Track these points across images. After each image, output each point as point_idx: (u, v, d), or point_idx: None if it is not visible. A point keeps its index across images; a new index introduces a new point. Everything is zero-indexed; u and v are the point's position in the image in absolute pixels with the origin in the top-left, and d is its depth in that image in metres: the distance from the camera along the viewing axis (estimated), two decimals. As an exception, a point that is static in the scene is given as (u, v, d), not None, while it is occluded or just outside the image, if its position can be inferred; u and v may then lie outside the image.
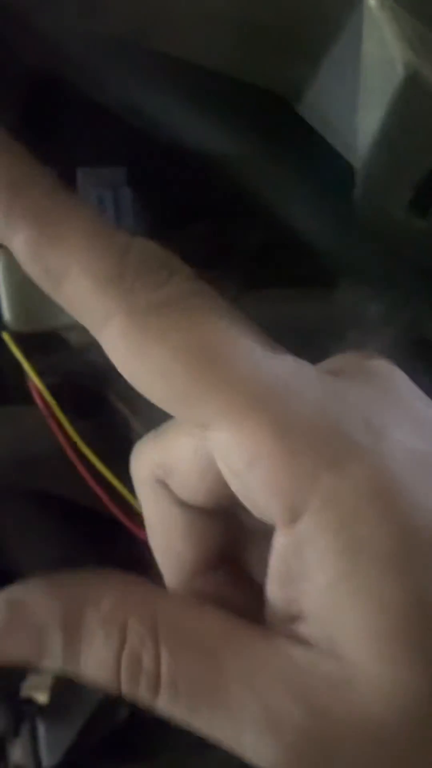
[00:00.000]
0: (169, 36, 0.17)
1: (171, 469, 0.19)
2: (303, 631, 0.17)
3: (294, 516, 0.16)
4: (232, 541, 0.21)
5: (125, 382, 0.32)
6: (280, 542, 0.16)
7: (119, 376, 0.35)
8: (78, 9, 0.17)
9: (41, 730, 0.41)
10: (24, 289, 0.29)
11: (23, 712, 0.41)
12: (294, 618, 0.17)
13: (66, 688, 0.42)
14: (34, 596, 0.18)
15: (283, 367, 0.16)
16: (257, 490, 0.16)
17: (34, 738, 0.41)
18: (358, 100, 0.23)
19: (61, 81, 0.28)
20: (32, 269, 0.17)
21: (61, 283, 0.17)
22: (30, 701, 0.42)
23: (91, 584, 0.18)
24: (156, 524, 0.20)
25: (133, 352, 0.16)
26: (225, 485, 0.17)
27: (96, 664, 0.17)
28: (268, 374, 0.16)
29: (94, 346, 0.33)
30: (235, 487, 0.17)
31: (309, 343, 0.39)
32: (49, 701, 0.43)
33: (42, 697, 0.43)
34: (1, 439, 0.30)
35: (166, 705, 0.17)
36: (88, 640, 0.17)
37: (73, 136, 0.30)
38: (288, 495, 0.15)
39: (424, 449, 0.16)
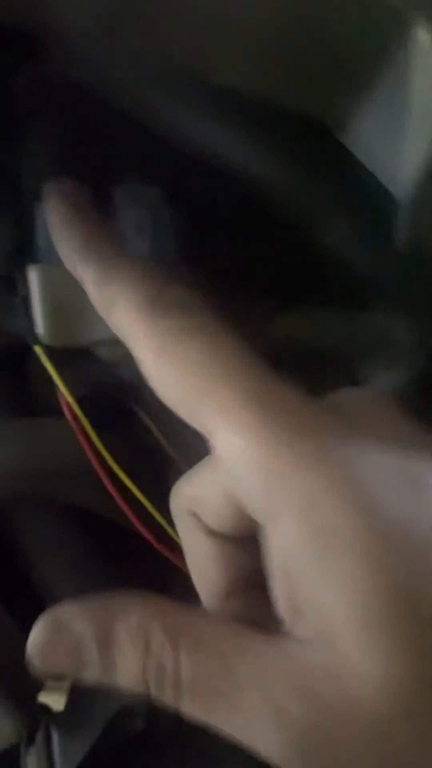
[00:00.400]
0: (219, 65, 0.18)
1: (201, 501, 0.22)
2: (302, 628, 0.18)
3: (276, 516, 0.18)
4: (258, 567, 0.21)
5: (151, 396, 0.33)
6: (271, 543, 0.18)
7: (146, 390, 0.35)
8: (135, 37, 0.17)
9: (56, 738, 0.41)
10: (58, 305, 0.30)
11: (38, 720, 0.42)
12: (295, 617, 0.18)
13: (82, 697, 0.42)
14: (71, 615, 0.21)
15: (276, 388, 0.19)
16: (246, 492, 0.19)
17: (48, 747, 0.41)
18: (405, 132, 0.23)
19: (102, 98, 0.29)
20: (94, 298, 0.23)
21: (112, 309, 0.22)
22: (45, 709, 0.43)
23: (119, 602, 0.21)
24: (191, 552, 0.23)
25: (157, 366, 0.21)
26: (245, 512, 0.19)
27: (127, 672, 0.20)
28: (262, 392, 0.19)
29: (123, 362, 0.33)
30: (236, 491, 0.19)
31: (336, 364, 0.39)
32: (65, 710, 0.43)
33: (57, 705, 0.43)
34: (28, 450, 0.30)
35: (188, 706, 0.19)
36: (119, 652, 0.20)
37: (112, 154, 0.31)
38: (271, 498, 0.18)
39: (395, 460, 0.18)
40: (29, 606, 0.43)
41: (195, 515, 0.23)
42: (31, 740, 0.43)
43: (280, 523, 0.18)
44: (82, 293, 0.31)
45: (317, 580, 0.17)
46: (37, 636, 0.22)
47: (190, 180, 0.30)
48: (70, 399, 0.29)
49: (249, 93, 0.19)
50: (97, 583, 0.36)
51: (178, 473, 0.34)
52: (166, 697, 0.20)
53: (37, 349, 0.30)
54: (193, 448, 0.36)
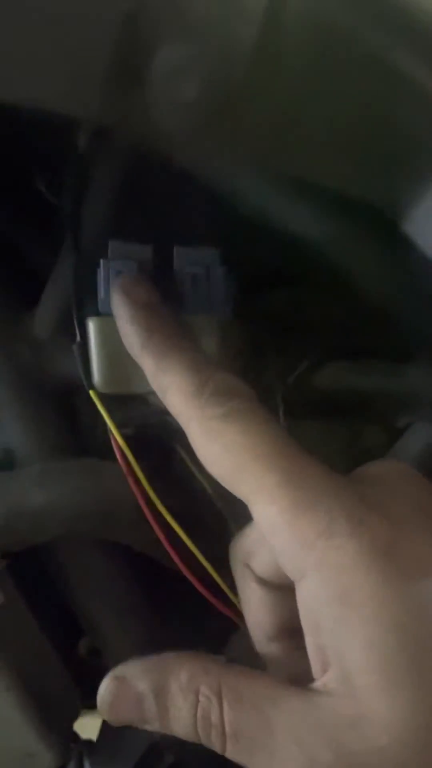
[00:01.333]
0: (291, 159, 0.19)
1: (251, 553, 0.27)
2: (329, 678, 0.21)
3: (304, 577, 0.21)
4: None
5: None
6: (300, 600, 0.21)
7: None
8: (221, 135, 0.19)
9: (88, 768, 0.42)
10: (114, 356, 0.31)
11: (71, 750, 0.42)
12: (323, 667, 0.21)
13: (115, 730, 0.42)
14: (133, 673, 0.25)
15: (305, 467, 0.22)
16: (279, 554, 0.22)
17: (80, 776, 0.42)
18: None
19: (164, 161, 0.30)
20: (151, 382, 0.26)
21: (165, 394, 0.26)
22: (78, 739, 0.43)
23: (173, 661, 0.24)
24: (245, 599, 0.27)
25: (204, 446, 0.24)
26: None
27: (181, 723, 0.23)
28: (293, 472, 0.22)
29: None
30: (274, 553, 0.23)
31: (380, 414, 0.40)
32: (98, 741, 0.44)
33: (91, 734, 0.44)
34: (84, 490, 0.31)
35: (232, 753, 0.22)
36: (172, 704, 0.23)
37: (173, 215, 0.32)
38: (299, 560, 0.21)
39: (415, 529, 0.21)
40: (70, 637, 0.45)
41: (249, 567, 0.26)
42: (63, 768, 0.44)
43: (307, 583, 0.21)
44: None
45: (341, 636, 0.20)
46: (105, 691, 0.25)
47: (246, 239, 0.32)
48: (122, 443, 0.30)
49: (317, 183, 0.21)
50: (140, 623, 0.37)
51: (222, 520, 0.35)
52: (213, 745, 0.23)
53: (92, 394, 0.31)
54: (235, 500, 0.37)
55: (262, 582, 0.26)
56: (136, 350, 0.27)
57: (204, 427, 0.23)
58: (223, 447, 0.23)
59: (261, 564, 0.26)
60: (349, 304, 0.36)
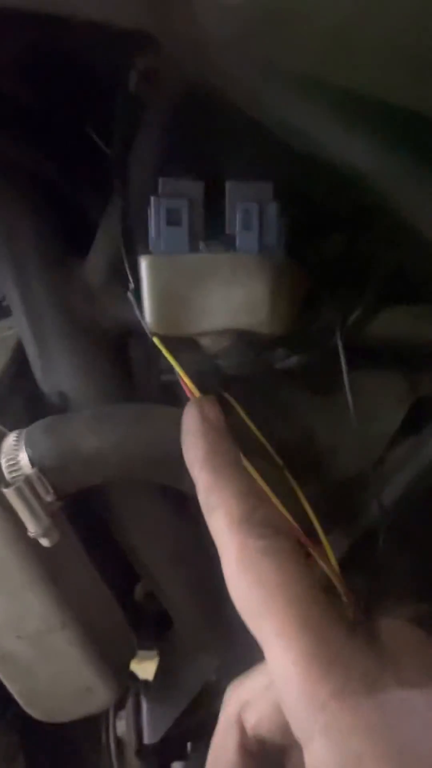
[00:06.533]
0: (348, 71, 0.18)
1: (248, 703, 0.26)
2: None
3: (312, 738, 0.20)
4: None
5: (245, 388, 0.34)
6: (307, 761, 0.21)
7: (240, 382, 0.36)
8: (269, 48, 0.18)
9: (145, 707, 0.43)
10: (167, 295, 0.31)
11: (128, 687, 0.44)
12: None
13: (170, 672, 0.44)
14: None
15: (327, 623, 0.22)
16: (287, 707, 0.21)
17: (137, 714, 0.44)
18: None
19: (217, 94, 0.29)
20: (201, 497, 0.27)
21: (212, 514, 0.26)
22: (135, 678, 0.45)
23: None
24: (219, 760, 0.26)
25: (236, 573, 0.24)
26: (284, 718, 0.22)
27: None
28: (314, 626, 0.22)
29: (223, 354, 0.34)
30: (281, 703, 0.22)
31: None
32: (154, 682, 0.45)
33: (147, 675, 0.45)
34: (136, 434, 0.31)
35: None
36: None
37: (225, 149, 0.31)
38: (309, 721, 0.20)
39: (425, 698, 0.21)
40: (125, 579, 0.46)
41: (239, 724, 0.26)
42: (119, 705, 0.45)
43: (315, 746, 0.20)
44: (189, 285, 0.32)
45: None
46: None
47: (300, 177, 0.30)
48: (190, 384, 0.30)
49: (368, 94, 0.19)
50: (192, 567, 0.38)
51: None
52: None
53: (156, 340, 0.31)
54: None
55: (245, 750, 0.25)
56: (196, 464, 0.27)
57: (242, 555, 0.24)
58: (255, 580, 0.23)
59: (256, 717, 0.25)
60: (407, 248, 0.35)
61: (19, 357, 0.39)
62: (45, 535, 0.31)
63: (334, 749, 0.20)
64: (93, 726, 0.58)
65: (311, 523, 0.33)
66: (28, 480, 0.30)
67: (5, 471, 0.31)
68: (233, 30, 0.17)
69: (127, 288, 0.33)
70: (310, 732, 0.20)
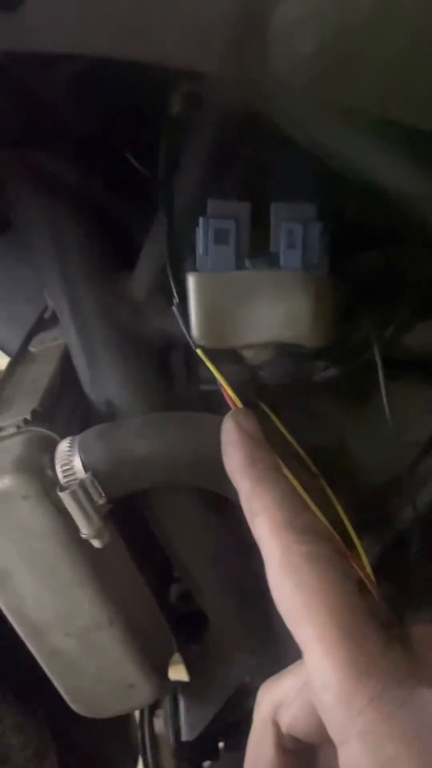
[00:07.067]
0: (404, 108, 0.20)
1: (284, 707, 0.26)
2: None
3: (348, 741, 0.21)
4: None
5: (281, 398, 0.35)
6: (341, 762, 0.22)
7: (278, 392, 0.37)
8: (332, 91, 0.19)
9: (182, 705, 0.45)
10: (212, 310, 0.33)
11: (167, 686, 0.45)
12: None
13: (206, 671, 0.45)
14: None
15: (367, 630, 0.23)
16: (324, 710, 0.22)
17: (175, 712, 0.45)
18: None
19: (263, 118, 0.31)
20: (243, 505, 0.28)
21: (254, 520, 0.27)
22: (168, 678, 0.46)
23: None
24: (257, 757, 0.27)
25: (279, 577, 0.25)
26: (318, 718, 0.23)
27: None
28: (354, 633, 0.23)
29: (266, 365, 0.36)
30: (317, 705, 0.23)
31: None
32: (191, 680, 0.46)
33: (183, 675, 0.47)
34: (183, 441, 0.33)
35: None
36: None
37: (269, 171, 0.33)
38: (346, 724, 0.21)
39: None
40: (161, 580, 0.47)
41: (275, 724, 0.26)
42: (156, 703, 0.47)
43: (350, 749, 0.21)
44: (233, 299, 0.34)
45: None
46: None
47: (340, 195, 0.32)
48: (233, 394, 0.31)
49: (419, 127, 0.21)
50: (231, 571, 0.39)
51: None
52: None
53: (200, 352, 0.33)
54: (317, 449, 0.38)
55: (282, 748, 0.26)
56: (236, 473, 0.29)
57: (285, 559, 0.25)
58: (297, 585, 0.24)
59: (290, 717, 0.26)
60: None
61: (65, 367, 0.41)
62: (96, 536, 0.33)
63: (370, 754, 0.21)
64: (122, 725, 0.59)
65: (346, 530, 0.34)
66: (82, 484, 0.32)
67: (60, 475, 0.33)
68: (305, 76, 0.19)
69: (171, 302, 0.35)
70: (347, 736, 0.21)
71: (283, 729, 0.26)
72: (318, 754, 0.27)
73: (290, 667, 0.27)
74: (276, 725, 0.26)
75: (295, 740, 0.26)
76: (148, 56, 0.19)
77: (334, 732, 0.22)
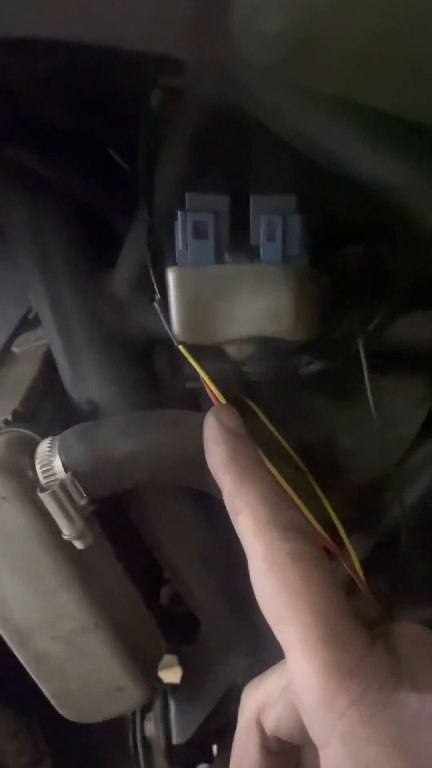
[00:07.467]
0: (374, 92, 0.19)
1: (265, 704, 0.26)
2: None
3: (328, 743, 0.21)
4: None
5: (267, 394, 0.34)
6: (322, 763, 0.21)
7: (263, 388, 0.36)
8: (301, 73, 0.19)
9: (173, 708, 0.44)
10: (193, 305, 0.32)
11: (157, 689, 0.44)
12: None
13: (197, 674, 0.44)
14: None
15: (348, 631, 0.22)
16: (305, 713, 0.22)
17: (165, 715, 0.44)
18: None
19: (240, 110, 0.31)
20: (227, 502, 0.27)
21: (237, 517, 0.26)
22: (162, 681, 0.46)
23: None
24: (241, 758, 0.27)
25: (262, 575, 0.24)
26: (302, 719, 0.23)
27: None
28: (336, 633, 0.22)
29: (249, 360, 0.35)
30: (298, 706, 0.23)
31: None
32: (181, 683, 0.46)
33: (174, 678, 0.46)
34: (166, 439, 0.33)
35: None
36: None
37: (249, 163, 0.33)
38: (326, 726, 0.21)
39: (430, 704, 0.21)
40: (151, 582, 0.47)
41: (259, 725, 0.26)
42: (148, 706, 0.46)
43: (331, 751, 0.21)
44: (213, 294, 0.33)
45: None
46: None
47: (322, 188, 0.32)
48: (216, 391, 0.31)
49: (394, 113, 0.21)
50: (220, 571, 0.39)
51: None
52: None
53: (182, 348, 0.32)
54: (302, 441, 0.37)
55: (266, 750, 0.26)
56: (218, 470, 0.28)
57: (269, 558, 0.24)
58: (281, 584, 0.24)
59: (274, 719, 0.25)
60: (427, 255, 0.36)
61: (48, 367, 0.40)
62: (79, 537, 0.32)
63: (350, 757, 0.21)
64: (118, 730, 0.59)
65: (334, 526, 0.33)
66: (62, 484, 0.32)
67: (40, 476, 0.32)
68: (270, 57, 0.18)
69: (153, 298, 0.34)
70: (328, 738, 0.21)
71: (267, 730, 0.26)
72: (303, 754, 0.27)
73: (274, 667, 0.26)
74: (260, 726, 0.26)
75: (280, 741, 0.26)
76: (105, 38, 0.19)
77: (315, 734, 0.22)
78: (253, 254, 0.32)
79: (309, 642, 0.22)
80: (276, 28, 0.17)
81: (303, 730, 0.24)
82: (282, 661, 0.25)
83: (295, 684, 0.22)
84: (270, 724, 0.25)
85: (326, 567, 0.24)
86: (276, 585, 0.24)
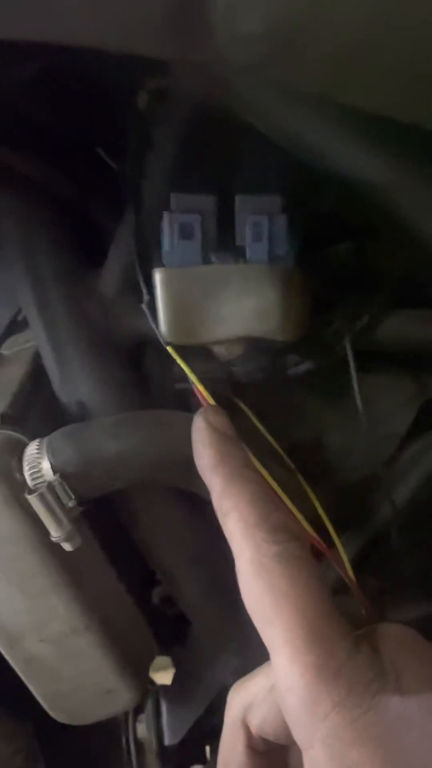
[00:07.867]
0: (359, 92, 0.19)
1: (250, 704, 0.26)
2: None
3: (311, 746, 0.21)
4: None
5: (257, 394, 0.34)
6: (306, 765, 0.22)
7: (252, 388, 0.36)
8: (284, 72, 0.19)
9: (164, 709, 0.44)
10: (180, 306, 0.32)
11: (148, 690, 0.44)
12: None
13: (188, 675, 0.44)
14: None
15: (332, 634, 0.22)
16: (289, 715, 0.22)
17: (157, 716, 0.44)
18: None
19: (226, 110, 0.31)
20: (215, 503, 0.27)
21: (225, 519, 0.26)
22: (154, 682, 0.46)
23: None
24: (228, 758, 0.27)
25: (248, 576, 0.25)
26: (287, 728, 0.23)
27: None
28: (320, 637, 0.22)
29: (237, 361, 0.35)
30: (282, 708, 0.23)
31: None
32: (173, 685, 0.46)
33: (165, 679, 0.46)
34: (156, 440, 0.33)
35: None
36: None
37: (234, 163, 0.33)
38: (310, 729, 0.21)
39: (422, 705, 0.21)
40: (144, 581, 0.46)
41: (245, 726, 0.26)
42: (140, 707, 0.46)
43: (315, 753, 0.21)
44: (201, 294, 0.33)
45: None
46: None
47: (308, 188, 0.32)
48: (205, 392, 0.31)
49: (378, 112, 0.21)
50: (211, 571, 0.39)
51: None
52: None
53: (170, 349, 0.32)
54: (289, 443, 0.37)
55: (252, 750, 0.26)
56: (207, 471, 0.28)
57: (256, 560, 0.24)
58: (267, 586, 0.24)
59: (260, 719, 0.26)
60: (414, 254, 0.36)
61: (37, 369, 0.40)
62: (67, 539, 0.32)
63: (334, 760, 0.21)
64: (111, 732, 0.59)
65: (324, 525, 0.33)
66: (50, 486, 0.31)
67: (28, 478, 0.32)
68: (252, 57, 0.18)
69: (141, 299, 0.34)
70: (311, 741, 0.21)
71: (253, 731, 0.26)
72: (290, 755, 0.27)
73: (260, 668, 0.26)
74: (246, 727, 0.26)
75: (266, 741, 0.26)
76: (81, 40, 0.19)
77: (299, 737, 0.22)
78: (239, 254, 0.32)
79: (293, 644, 0.22)
80: (255, 28, 0.17)
81: (288, 731, 0.24)
82: (268, 662, 0.25)
83: (280, 686, 0.22)
84: (255, 724, 0.26)
85: (313, 569, 0.24)
86: (262, 587, 0.24)
